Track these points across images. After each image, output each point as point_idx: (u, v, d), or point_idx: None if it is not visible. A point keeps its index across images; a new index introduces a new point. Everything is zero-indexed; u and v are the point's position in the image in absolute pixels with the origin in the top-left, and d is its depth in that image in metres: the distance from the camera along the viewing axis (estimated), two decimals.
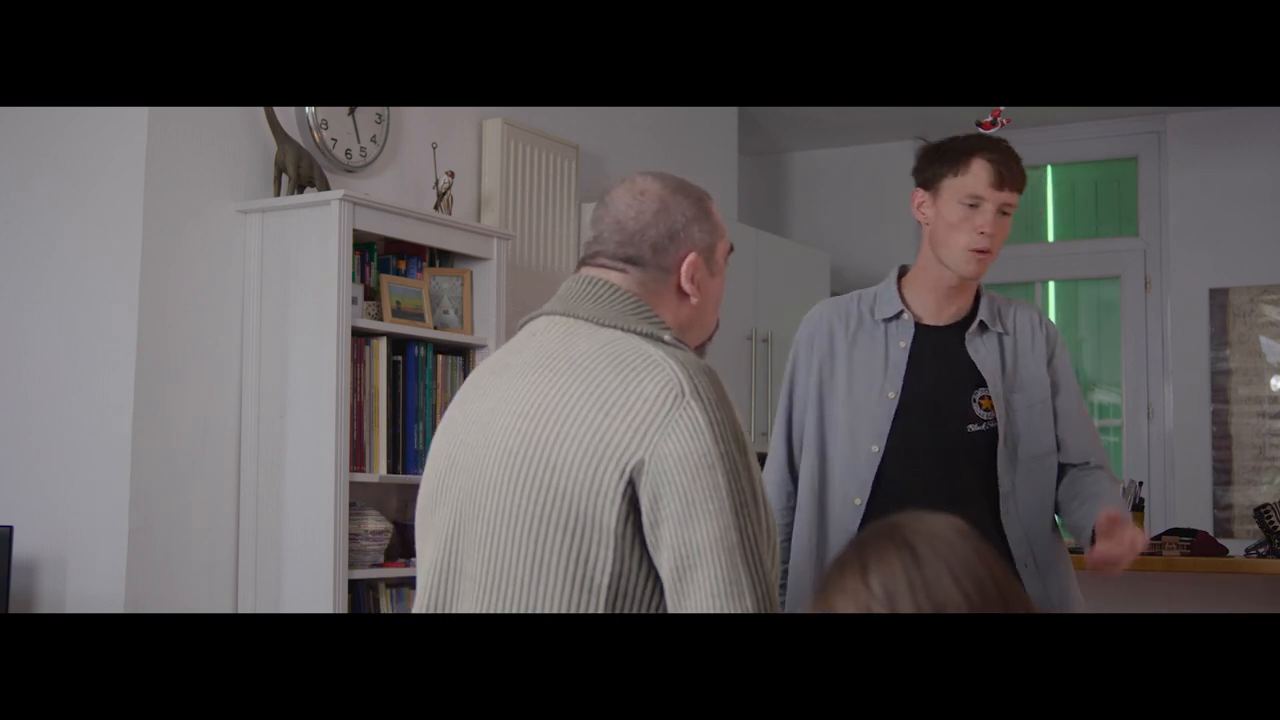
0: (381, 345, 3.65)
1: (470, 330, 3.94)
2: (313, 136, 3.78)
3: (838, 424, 2.67)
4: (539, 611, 1.64)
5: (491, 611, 1.68)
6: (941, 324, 2.68)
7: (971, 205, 2.58)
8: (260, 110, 3.64)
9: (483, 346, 3.93)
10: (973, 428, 2.61)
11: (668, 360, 1.69)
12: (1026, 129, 6.16)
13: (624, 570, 1.63)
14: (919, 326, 2.67)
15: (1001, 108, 2.83)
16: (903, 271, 2.74)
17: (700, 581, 1.59)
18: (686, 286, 1.85)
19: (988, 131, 2.78)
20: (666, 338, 1.76)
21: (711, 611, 1.58)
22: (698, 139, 5.60)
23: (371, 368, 3.63)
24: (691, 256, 1.84)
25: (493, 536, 1.69)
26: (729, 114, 5.84)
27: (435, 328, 3.84)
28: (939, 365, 2.65)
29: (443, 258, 4.00)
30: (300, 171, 3.61)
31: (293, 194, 3.60)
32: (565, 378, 1.71)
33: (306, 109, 3.77)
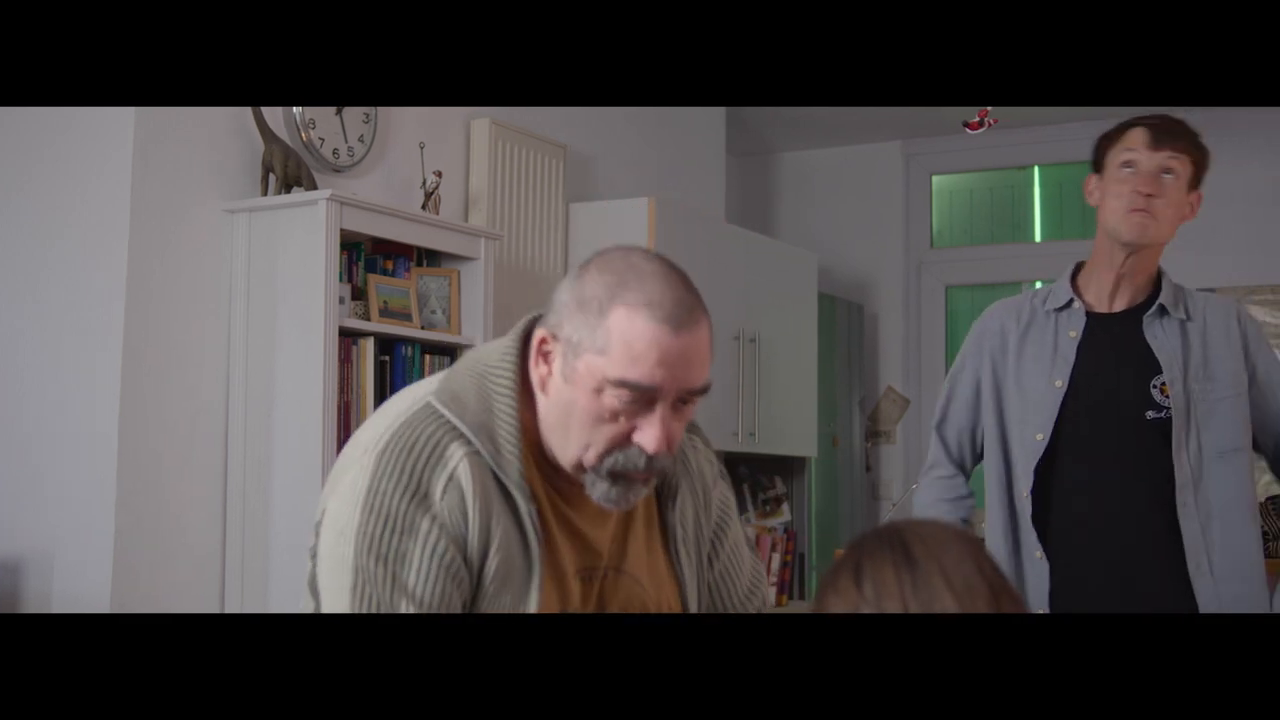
0: (369, 345, 3.64)
1: (458, 330, 3.94)
2: (300, 136, 3.77)
3: (1012, 418, 2.63)
4: None
5: None
6: (1116, 311, 2.60)
7: (1128, 166, 2.51)
8: (247, 110, 3.63)
9: (470, 346, 3.92)
10: (1151, 414, 2.52)
11: (388, 412, 1.67)
12: (1014, 129, 6.17)
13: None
14: (1091, 315, 2.61)
15: (988, 108, 2.83)
16: (1079, 267, 2.67)
17: None
18: (531, 358, 1.63)
19: (974, 131, 2.78)
20: (433, 399, 1.63)
21: None
22: (686, 139, 5.60)
23: (359, 367, 3.62)
24: (541, 332, 1.62)
25: None
26: (717, 114, 5.84)
27: (422, 327, 3.84)
28: (1113, 353, 2.58)
29: (430, 257, 4.00)
30: (288, 171, 3.60)
31: (280, 194, 3.59)
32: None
33: (294, 109, 3.77)
